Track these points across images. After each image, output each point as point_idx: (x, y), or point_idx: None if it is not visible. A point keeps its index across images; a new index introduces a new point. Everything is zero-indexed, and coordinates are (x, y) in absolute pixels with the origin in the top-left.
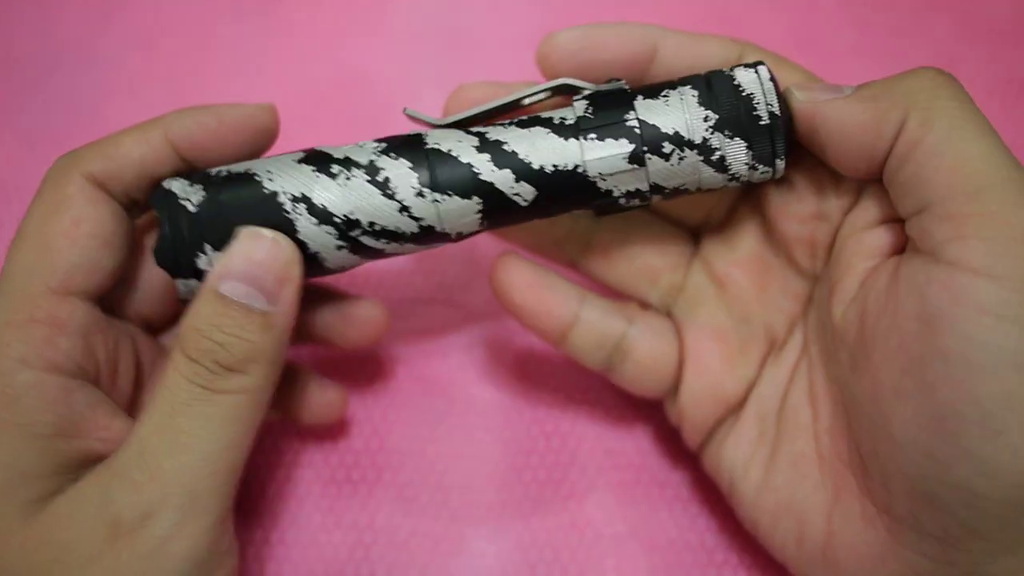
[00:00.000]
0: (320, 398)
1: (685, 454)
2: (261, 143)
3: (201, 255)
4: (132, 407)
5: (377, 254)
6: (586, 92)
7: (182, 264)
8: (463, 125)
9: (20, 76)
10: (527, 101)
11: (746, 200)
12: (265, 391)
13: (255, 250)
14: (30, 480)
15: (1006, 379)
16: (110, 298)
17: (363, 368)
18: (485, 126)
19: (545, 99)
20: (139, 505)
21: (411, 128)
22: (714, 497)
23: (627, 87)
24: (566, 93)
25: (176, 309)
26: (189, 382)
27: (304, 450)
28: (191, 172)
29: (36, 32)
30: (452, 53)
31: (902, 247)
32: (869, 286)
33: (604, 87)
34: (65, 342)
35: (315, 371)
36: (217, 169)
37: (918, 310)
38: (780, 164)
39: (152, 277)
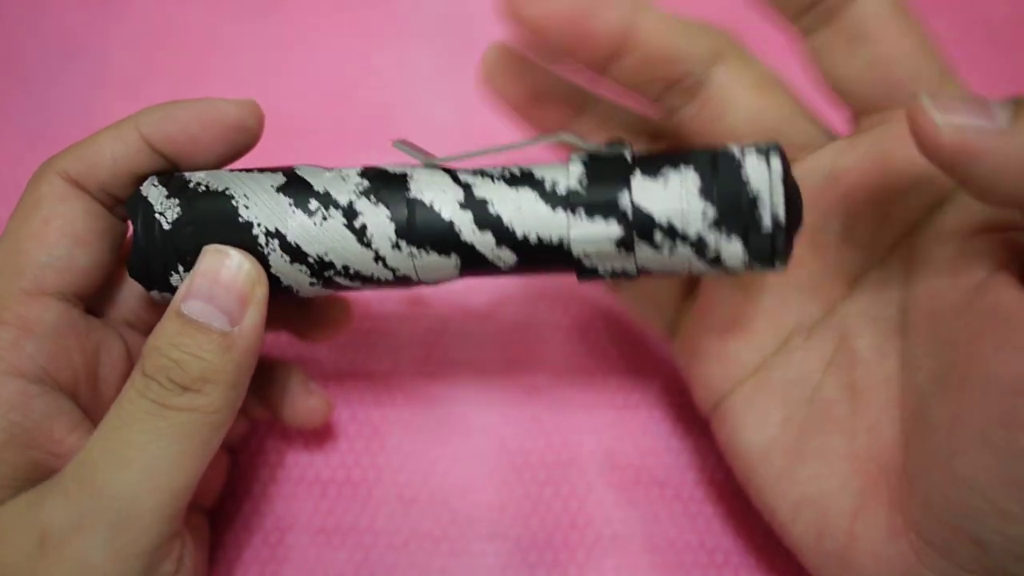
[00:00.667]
0: (303, 403)
1: (685, 454)
2: (241, 141)
3: (174, 274)
4: None
5: (352, 291)
6: (583, 156)
7: (154, 279)
8: (453, 165)
9: (20, 76)
10: (520, 144)
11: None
12: (221, 413)
13: (217, 268)
14: None
15: None
16: (98, 299)
17: (363, 368)
18: (473, 174)
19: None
20: (68, 517)
21: (398, 158)
22: (715, 497)
23: (628, 156)
24: (564, 136)
25: None
26: (141, 396)
27: (304, 451)
28: (170, 176)
29: (37, 32)
30: (453, 53)
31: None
32: (982, 306)
33: (605, 151)
34: (31, 345)
35: (305, 373)
36: (197, 179)
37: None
38: (780, 266)
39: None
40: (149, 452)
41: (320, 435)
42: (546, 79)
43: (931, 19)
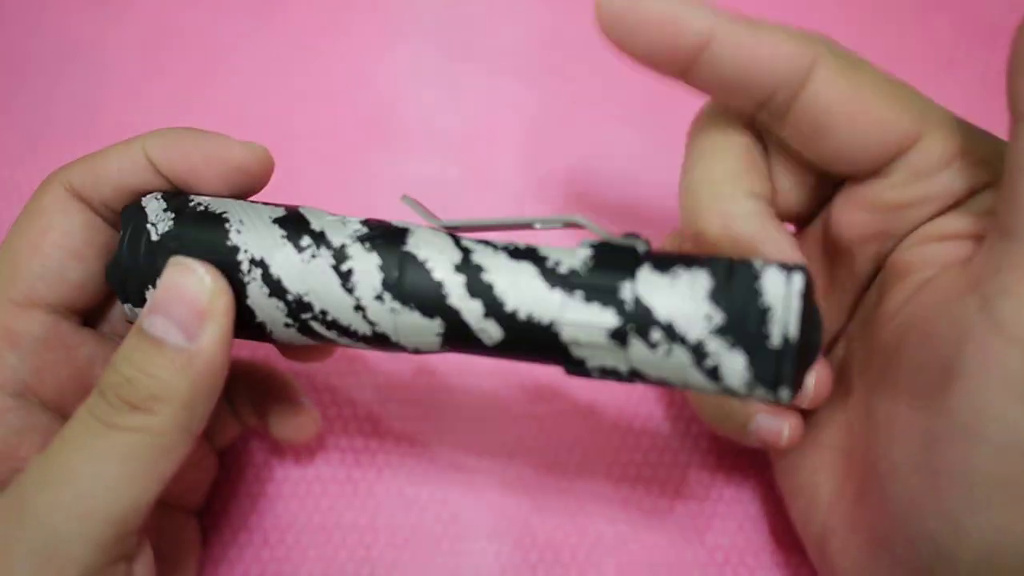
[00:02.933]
0: (290, 419)
1: (685, 454)
2: (243, 184)
3: (150, 288)
4: None
5: (328, 342)
6: (594, 241)
7: (130, 289)
8: (456, 230)
9: (21, 77)
10: (538, 226)
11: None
12: (170, 435)
13: (178, 281)
14: None
15: (1007, 460)
16: (95, 312)
17: (363, 367)
18: (477, 242)
19: (559, 226)
20: None
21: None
22: (715, 496)
23: (641, 249)
24: (578, 218)
25: None
26: (88, 414)
27: (303, 450)
28: (174, 194)
29: (38, 33)
30: (454, 55)
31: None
32: (918, 304)
33: (618, 240)
34: (13, 358)
35: (298, 386)
36: (199, 201)
37: (944, 365)
38: (785, 393)
39: None
40: (83, 474)
41: (320, 435)
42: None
43: (931, 19)
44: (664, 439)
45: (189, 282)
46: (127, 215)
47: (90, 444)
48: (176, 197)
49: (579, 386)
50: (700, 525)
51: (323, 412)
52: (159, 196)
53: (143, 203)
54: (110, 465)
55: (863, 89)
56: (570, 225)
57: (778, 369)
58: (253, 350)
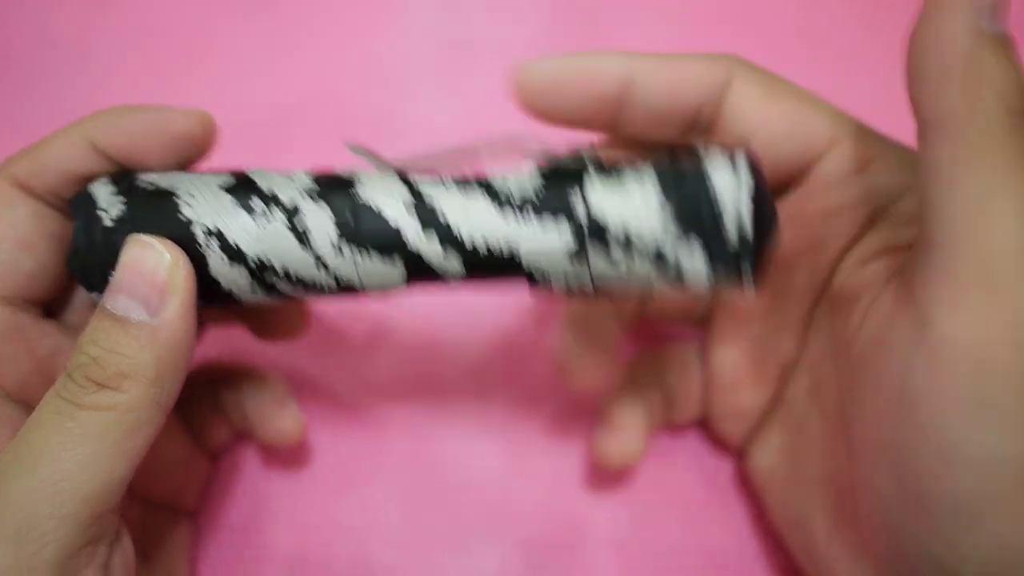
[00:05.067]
0: (272, 422)
1: (686, 456)
2: (189, 152)
3: (113, 272)
4: None
5: (295, 300)
6: (540, 163)
7: (94, 278)
8: (408, 171)
9: (16, 75)
10: (485, 155)
11: None
12: (140, 411)
13: (137, 258)
14: None
15: (983, 477)
16: (55, 303)
17: (362, 368)
18: (427, 180)
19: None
20: None
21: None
22: (716, 500)
23: (587, 163)
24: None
25: None
26: (55, 396)
27: (302, 451)
28: (121, 175)
29: (32, 30)
30: (452, 52)
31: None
32: (869, 330)
33: (565, 160)
34: None
35: (284, 387)
36: (146, 179)
37: (899, 391)
38: (749, 287)
39: None
40: (55, 455)
41: (320, 435)
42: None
43: None
44: (664, 440)
45: (147, 257)
46: (76, 204)
47: (60, 425)
48: (123, 179)
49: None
50: (701, 528)
51: (321, 412)
52: (106, 180)
53: (91, 190)
54: (82, 444)
55: (776, 96)
56: (519, 149)
57: (738, 267)
58: (238, 351)
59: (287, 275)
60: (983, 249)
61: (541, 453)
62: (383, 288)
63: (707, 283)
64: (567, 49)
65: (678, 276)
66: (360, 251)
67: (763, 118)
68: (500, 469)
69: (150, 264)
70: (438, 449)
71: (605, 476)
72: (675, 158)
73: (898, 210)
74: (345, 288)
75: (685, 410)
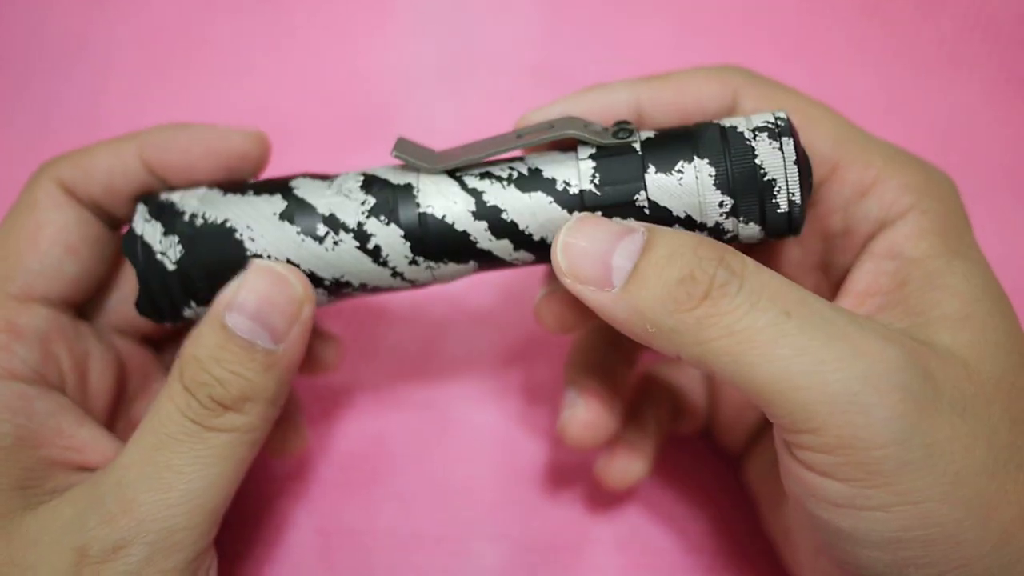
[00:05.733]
0: (280, 434)
1: (686, 457)
2: (242, 171)
3: (187, 308)
4: (112, 418)
5: (366, 296)
6: (590, 149)
7: (166, 315)
8: (455, 170)
9: (17, 74)
10: (523, 143)
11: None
12: (260, 431)
13: (266, 286)
14: None
15: (891, 550)
16: (89, 306)
17: (363, 370)
18: (481, 179)
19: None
20: (110, 538)
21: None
22: (715, 500)
23: (636, 143)
24: (569, 131)
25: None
26: (181, 415)
27: (304, 453)
28: (160, 205)
29: (33, 30)
30: (452, 51)
31: None
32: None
33: (612, 142)
34: (22, 349)
35: (298, 402)
36: (190, 209)
37: (791, 491)
38: (796, 235)
39: (134, 290)
40: (188, 475)
41: (320, 435)
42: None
43: (931, 19)
44: (664, 442)
45: (280, 290)
46: (129, 247)
47: (189, 446)
48: (163, 209)
49: None
50: (700, 528)
51: (323, 414)
52: (147, 215)
53: (137, 231)
54: (211, 465)
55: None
56: (565, 133)
57: (789, 224)
58: None
59: (363, 286)
60: (784, 408)
61: (541, 452)
62: (455, 279)
63: (760, 239)
64: (568, 50)
65: (734, 239)
66: (435, 260)
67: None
68: (500, 469)
69: (282, 297)
70: (438, 449)
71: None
72: (723, 135)
73: (888, 237)
74: (419, 286)
75: (692, 421)
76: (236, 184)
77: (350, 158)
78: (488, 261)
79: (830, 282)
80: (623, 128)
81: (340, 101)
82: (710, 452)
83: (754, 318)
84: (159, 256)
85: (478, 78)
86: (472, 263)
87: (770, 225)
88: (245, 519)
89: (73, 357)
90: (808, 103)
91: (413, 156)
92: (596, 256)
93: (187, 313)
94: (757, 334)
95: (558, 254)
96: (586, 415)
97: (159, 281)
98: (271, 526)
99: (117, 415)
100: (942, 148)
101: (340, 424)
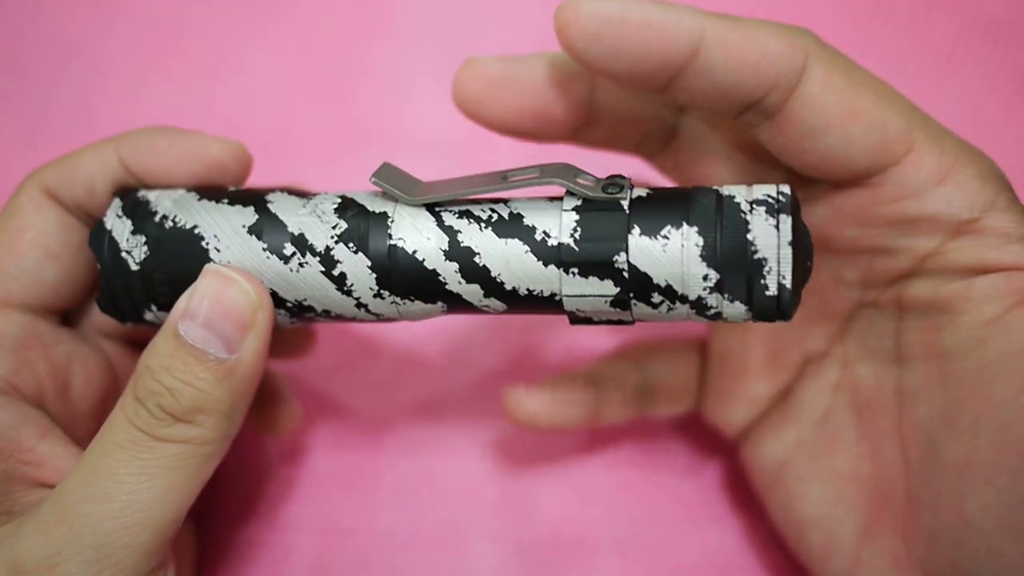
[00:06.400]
0: (271, 412)
1: (685, 455)
2: (220, 179)
3: (147, 311)
4: (100, 423)
5: (331, 323)
6: (576, 200)
7: (127, 315)
8: (434, 204)
9: (19, 75)
10: (510, 186)
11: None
12: (214, 444)
13: (219, 292)
14: None
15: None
16: (73, 311)
17: (364, 369)
18: (460, 217)
19: (532, 180)
20: (43, 551)
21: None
22: (716, 499)
23: (626, 204)
24: (556, 180)
25: None
26: (129, 423)
27: (304, 451)
28: (135, 201)
29: (35, 31)
30: (451, 50)
31: None
32: (997, 347)
33: (600, 196)
34: None
35: (282, 379)
36: (163, 211)
37: None
38: (785, 321)
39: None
40: (132, 486)
41: (320, 436)
42: (541, 97)
43: (931, 19)
44: (665, 440)
45: (231, 294)
46: (96, 241)
47: (135, 456)
48: (136, 205)
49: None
50: (701, 528)
51: (322, 413)
52: (119, 212)
53: (107, 225)
54: (157, 477)
55: (855, 90)
56: (550, 173)
57: (777, 309)
58: None
59: (326, 312)
60: None
61: (541, 452)
62: (422, 319)
63: (745, 320)
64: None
65: (716, 316)
66: (401, 296)
67: (840, 113)
68: (500, 468)
69: (234, 301)
70: (438, 449)
71: (605, 476)
72: (718, 203)
73: (984, 226)
74: (385, 320)
75: (673, 403)
76: (214, 190)
77: (349, 158)
78: (456, 304)
79: (877, 270)
80: (615, 183)
81: (340, 101)
82: (710, 451)
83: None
84: (124, 255)
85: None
86: (440, 304)
87: (757, 306)
88: (244, 518)
89: (51, 364)
90: (879, 82)
91: (394, 184)
92: None
93: (148, 316)
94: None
95: None
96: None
97: (122, 280)
98: (270, 526)
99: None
100: None
101: (340, 423)
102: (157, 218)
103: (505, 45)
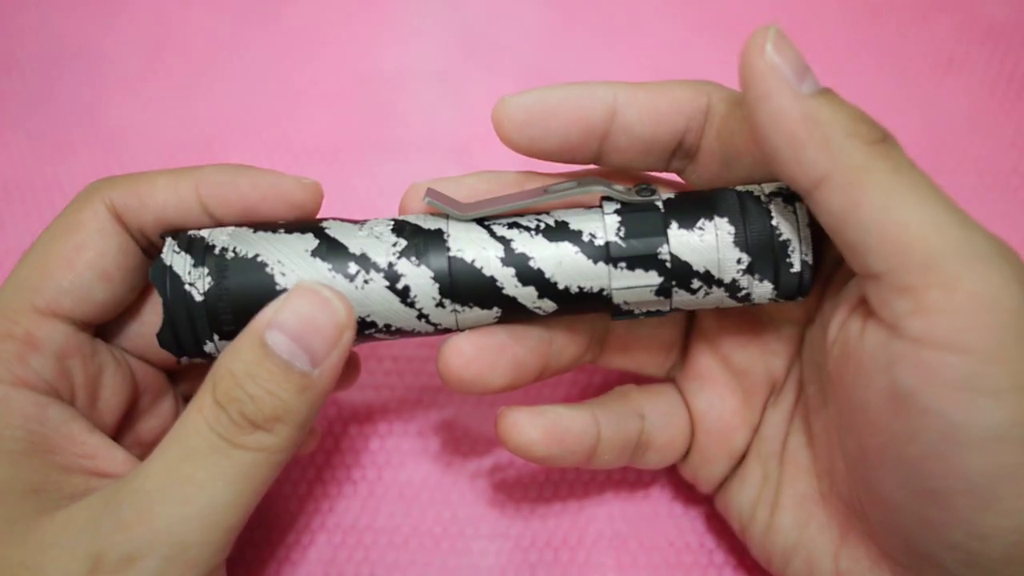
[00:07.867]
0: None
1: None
2: (292, 217)
3: (208, 342)
4: (119, 433)
5: (383, 341)
6: (616, 204)
7: (186, 348)
8: (483, 219)
9: (23, 77)
10: (550, 197)
11: None
12: (286, 452)
13: (310, 308)
14: (4, 497)
15: (991, 452)
16: (110, 327)
17: (365, 369)
18: (509, 228)
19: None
20: (124, 546)
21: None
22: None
23: (659, 202)
24: (596, 187)
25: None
26: (209, 429)
27: (301, 452)
28: (189, 239)
29: (39, 34)
30: (456, 51)
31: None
32: (842, 347)
33: (636, 199)
34: (37, 360)
35: None
36: (220, 243)
37: (889, 389)
38: (803, 298)
39: (157, 321)
40: (210, 491)
41: (320, 436)
42: (570, 135)
43: (931, 19)
44: None
45: (324, 311)
46: (158, 278)
47: (214, 461)
48: (192, 242)
49: (579, 385)
50: (700, 526)
51: (324, 413)
52: (176, 248)
53: (166, 260)
54: (233, 483)
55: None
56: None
57: (800, 285)
58: None
59: (387, 327)
60: (915, 257)
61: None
62: (475, 327)
63: (770, 301)
64: (568, 50)
65: (746, 297)
66: (461, 304)
67: (747, 139)
68: (500, 468)
69: (325, 320)
70: (438, 448)
71: (605, 475)
72: (739, 198)
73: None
74: (441, 332)
75: (663, 457)
76: (266, 223)
77: (350, 158)
78: (511, 308)
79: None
80: (646, 188)
81: (340, 101)
82: None
83: (911, 173)
84: (187, 287)
85: (478, 78)
86: (496, 309)
87: (782, 284)
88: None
89: (86, 374)
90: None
91: (443, 204)
92: (794, 59)
93: (208, 347)
94: (914, 184)
95: (768, 45)
96: (466, 343)
97: (185, 311)
98: (271, 525)
99: (124, 431)
100: (940, 149)
101: (340, 423)
102: (216, 251)
103: (505, 45)
